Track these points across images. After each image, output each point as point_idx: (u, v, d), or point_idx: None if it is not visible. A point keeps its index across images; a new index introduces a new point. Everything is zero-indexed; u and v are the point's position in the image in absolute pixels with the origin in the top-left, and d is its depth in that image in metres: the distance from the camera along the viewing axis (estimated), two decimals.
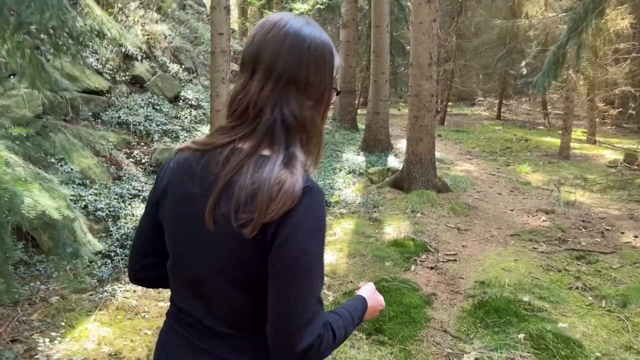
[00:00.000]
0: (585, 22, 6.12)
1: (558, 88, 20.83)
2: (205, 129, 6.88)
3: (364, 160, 9.86)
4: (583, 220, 6.35)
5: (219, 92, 6.45)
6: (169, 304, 1.13)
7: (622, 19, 12.81)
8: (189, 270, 0.99)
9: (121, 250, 4.27)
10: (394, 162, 9.77)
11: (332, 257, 4.84)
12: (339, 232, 5.61)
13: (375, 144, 10.80)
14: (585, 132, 15.06)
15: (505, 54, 18.64)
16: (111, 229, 4.45)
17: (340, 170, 8.74)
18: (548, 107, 20.94)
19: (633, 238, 5.57)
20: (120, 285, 3.84)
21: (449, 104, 22.02)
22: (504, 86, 21.71)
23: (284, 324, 0.88)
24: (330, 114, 15.39)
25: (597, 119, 14.96)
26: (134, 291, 3.78)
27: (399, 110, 25.61)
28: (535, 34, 19.75)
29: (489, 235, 5.71)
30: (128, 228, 4.51)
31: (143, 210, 1.12)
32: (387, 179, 7.76)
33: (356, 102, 16.41)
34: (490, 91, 25.71)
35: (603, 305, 3.85)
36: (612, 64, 13.77)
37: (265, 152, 0.92)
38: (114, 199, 4.87)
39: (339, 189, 7.54)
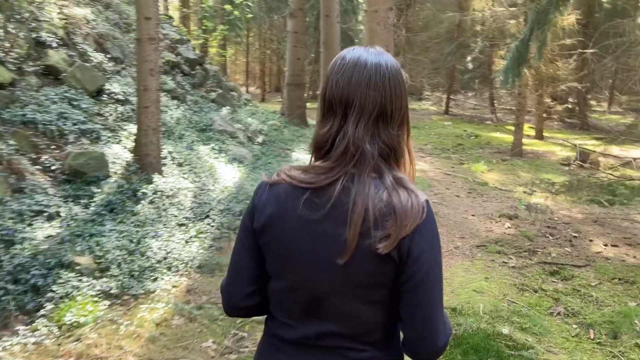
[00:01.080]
0: (549, 15, 5.74)
1: (504, 83, 21.00)
2: (133, 128, 5.96)
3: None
4: (548, 227, 5.98)
5: (147, 85, 5.58)
6: None
7: (569, 14, 12.82)
8: (309, 290, 1.04)
9: (13, 286, 3.38)
10: None
11: None
12: None
13: None
14: (534, 128, 15.09)
15: (455, 49, 18.45)
16: (1, 258, 3.54)
17: None
18: (495, 103, 21.06)
19: (603, 247, 5.23)
20: (6, 338, 2.97)
21: None
22: (451, 81, 21.66)
23: (428, 327, 1.00)
24: (277, 108, 14.54)
25: (544, 115, 15.02)
26: (25, 344, 2.93)
27: None
28: (483, 29, 19.77)
29: (453, 246, 5.20)
30: (25, 257, 3.61)
31: (237, 236, 1.15)
32: None
33: (305, 95, 15.71)
34: (438, 86, 25.72)
35: (591, 337, 3.38)
36: (559, 59, 13.80)
37: (374, 177, 1.01)
38: (9, 218, 3.93)
39: None
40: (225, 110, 10.19)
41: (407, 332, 1.04)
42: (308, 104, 18.86)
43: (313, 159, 1.08)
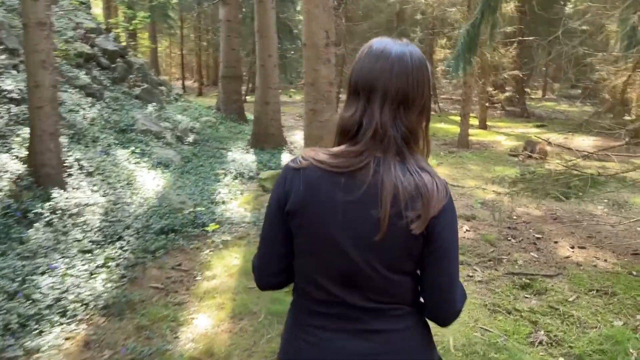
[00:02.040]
0: None
1: (446, 73, 20.90)
2: (25, 132, 4.92)
3: (254, 159, 8.36)
4: (509, 227, 5.52)
5: (39, 81, 4.57)
6: None
7: (507, 2, 12.64)
8: (344, 265, 1.09)
9: None
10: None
11: (208, 321, 3.34)
12: (220, 273, 4.11)
13: (267, 138, 9.35)
14: (476, 117, 14.95)
15: (397, 37, 17.95)
16: None
17: (225, 175, 7.16)
18: (437, 92, 20.93)
19: (570, 250, 4.79)
20: None
21: (341, 89, 21.19)
22: None
23: (448, 293, 1.12)
24: (214, 102, 13.49)
25: (486, 104, 14.90)
26: None
27: (290, 97, 24.33)
28: (424, 18, 19.53)
29: None
30: None
31: (266, 217, 1.20)
32: None
33: (244, 89, 14.75)
34: None
35: None
36: (501, 47, 13.67)
37: (399, 160, 1.07)
38: None
39: (223, 202, 5.98)
40: (151, 108, 9.13)
41: (430, 298, 1.14)
42: (248, 97, 17.93)
43: (337, 142, 1.12)
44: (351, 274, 1.10)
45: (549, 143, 9.76)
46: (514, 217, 5.90)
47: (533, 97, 24.33)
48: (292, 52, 24.73)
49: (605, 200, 6.58)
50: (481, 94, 13.60)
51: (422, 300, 1.17)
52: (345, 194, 1.06)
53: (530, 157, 9.41)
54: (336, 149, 1.10)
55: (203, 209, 5.40)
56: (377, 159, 1.06)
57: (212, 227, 4.40)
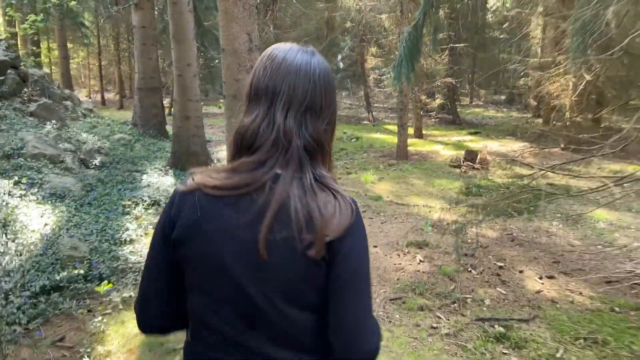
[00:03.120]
0: None
1: (379, 81, 20.62)
2: None
3: (172, 183, 7.27)
4: (465, 254, 4.88)
5: None
6: None
7: (438, 8, 12.42)
8: (240, 301, 0.96)
9: None
10: None
11: None
12: (116, 349, 3.10)
13: (189, 157, 8.28)
14: (411, 126, 14.61)
15: (327, 46, 17.47)
16: None
17: (136, 205, 6.06)
18: (370, 102, 20.63)
19: (539, 282, 4.20)
20: None
21: None
22: None
23: (357, 331, 0.94)
24: (125, 118, 12.17)
25: (421, 112, 14.62)
26: None
27: (220, 108, 23.11)
28: (353, 26, 19.14)
29: None
30: None
31: (149, 253, 1.06)
32: None
33: (164, 102, 13.52)
34: None
35: None
36: (434, 54, 13.43)
37: (298, 175, 0.95)
38: None
39: (129, 242, 4.91)
40: (49, 127, 7.81)
41: (336, 338, 0.95)
42: (174, 110, 16.60)
43: (232, 154, 1.00)
44: (248, 311, 0.96)
45: (488, 153, 9.43)
46: (469, 241, 5.29)
47: (461, 104, 24.72)
48: (218, 61, 23.59)
49: (558, 215, 6.17)
50: (416, 103, 13.24)
51: (330, 341, 0.97)
52: (238, 216, 0.95)
53: (472, 167, 9.01)
54: (231, 164, 0.98)
55: (100, 254, 4.32)
56: (275, 175, 0.94)
57: (104, 286, 3.35)
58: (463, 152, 10.23)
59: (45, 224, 4.84)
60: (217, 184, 0.96)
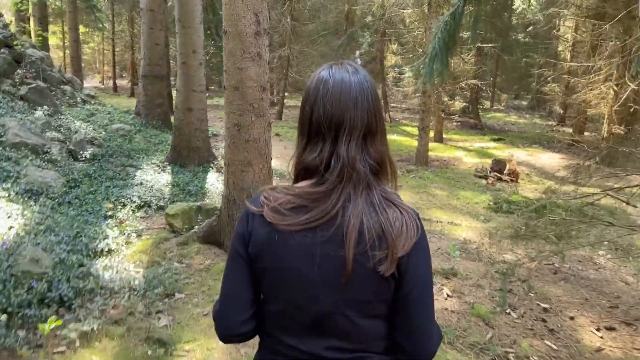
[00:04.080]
0: None
1: (398, 80, 19.76)
2: None
3: (169, 181, 6.57)
4: (501, 289, 4.09)
5: None
6: None
7: None
8: (312, 311, 1.02)
9: None
10: (218, 183, 6.68)
11: None
12: None
13: (190, 153, 7.58)
14: (431, 129, 13.78)
15: (347, 40, 16.67)
16: None
17: (123, 207, 5.36)
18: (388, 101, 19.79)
19: (597, 334, 3.41)
20: None
21: (286, 94, 19.60)
22: None
23: (423, 335, 1.04)
24: (133, 107, 11.48)
25: (442, 115, 13.79)
26: None
27: None
28: (373, 21, 18.31)
29: None
30: None
31: (228, 264, 1.12)
32: (198, 226, 4.66)
33: (169, 90, 12.84)
34: None
35: None
36: (461, 53, 12.58)
37: (367, 196, 1.00)
38: None
39: (106, 253, 4.20)
40: (40, 112, 7.14)
41: (404, 341, 1.05)
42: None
43: (295, 180, 1.08)
44: (320, 320, 1.03)
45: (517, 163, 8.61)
46: (503, 271, 4.50)
47: (483, 107, 23.77)
48: None
49: (605, 243, 5.34)
50: (437, 104, 12.40)
51: (396, 343, 1.07)
52: (311, 235, 1.00)
53: (499, 179, 8.19)
54: (300, 189, 1.02)
55: (66, 270, 3.60)
56: (347, 196, 0.99)
57: (50, 323, 2.61)
58: (489, 161, 9.40)
59: (11, 227, 4.14)
60: (291, 223, 0.99)
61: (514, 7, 22.17)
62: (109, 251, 4.27)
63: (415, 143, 11.74)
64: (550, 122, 19.87)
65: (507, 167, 8.38)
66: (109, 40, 29.36)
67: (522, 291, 4.08)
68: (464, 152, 11.56)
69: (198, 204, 4.93)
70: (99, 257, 4.13)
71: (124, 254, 4.30)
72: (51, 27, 29.62)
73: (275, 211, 1.01)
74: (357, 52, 24.49)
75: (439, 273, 4.28)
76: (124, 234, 4.67)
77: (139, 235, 4.77)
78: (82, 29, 32.54)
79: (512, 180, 8.09)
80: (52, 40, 32.43)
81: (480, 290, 4.06)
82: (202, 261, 4.19)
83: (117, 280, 3.73)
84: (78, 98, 9.77)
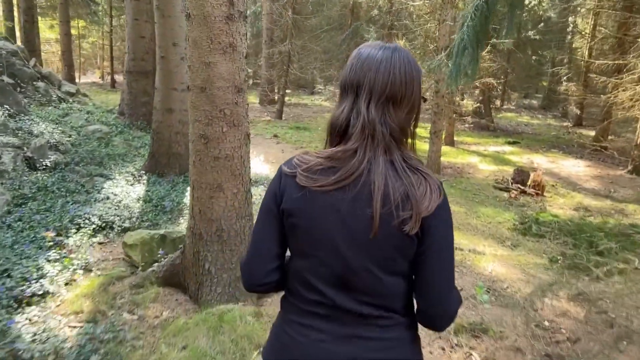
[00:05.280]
0: None
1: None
2: None
3: (141, 195, 5.64)
4: (546, 355, 3.13)
5: None
6: None
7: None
8: (338, 266, 1.08)
9: None
10: None
11: None
12: None
13: (170, 160, 6.64)
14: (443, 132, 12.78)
15: (350, 35, 15.68)
16: None
17: (77, 231, 4.42)
18: None
19: None
20: None
21: (287, 91, 18.64)
22: None
23: (443, 294, 1.08)
24: (117, 104, 10.50)
25: (454, 116, 12.78)
26: None
27: None
28: (380, 14, 17.30)
29: None
30: None
31: (259, 217, 1.18)
32: (159, 262, 3.71)
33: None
34: (332, 79, 23.05)
35: None
36: None
37: (389, 158, 1.06)
38: None
39: (32, 301, 3.27)
40: None
41: (424, 300, 1.09)
42: None
43: (329, 142, 1.13)
44: (344, 275, 1.08)
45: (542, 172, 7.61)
46: (546, 325, 3.54)
47: (494, 107, 22.71)
48: None
49: None
50: (449, 105, 11.41)
51: (415, 304, 1.12)
52: (339, 193, 1.05)
53: (523, 191, 7.21)
54: (329, 151, 1.09)
55: None
56: (370, 154, 1.04)
57: None
58: (507, 169, 8.42)
59: None
60: (323, 184, 1.06)
61: (526, 2, 21.09)
62: (42, 295, 3.34)
63: (424, 146, 10.77)
64: (565, 124, 18.82)
65: (531, 177, 7.40)
66: (108, 34, 28.48)
67: (572, 353, 3.12)
68: (478, 157, 10.57)
69: (162, 232, 3.98)
70: (26, 306, 3.20)
71: (61, 300, 3.37)
72: (48, 20, 28.80)
73: (306, 173, 1.08)
74: None
75: (464, 329, 3.32)
76: (69, 269, 3.74)
77: (88, 271, 3.84)
78: (81, 23, 31.69)
79: (537, 194, 7.11)
80: (49, 34, 31.58)
81: (520, 356, 3.10)
82: (159, 312, 3.25)
83: (41, 343, 2.80)
84: (54, 96, 8.85)
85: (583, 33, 15.12)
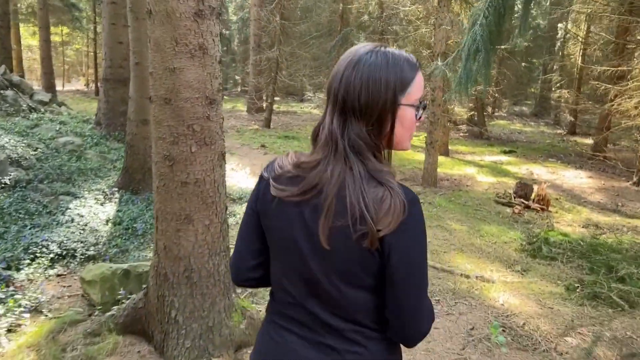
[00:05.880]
0: None
1: None
2: None
3: (111, 215, 5.08)
4: None
5: None
6: None
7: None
8: (305, 272, 1.07)
9: None
10: None
11: None
12: None
13: (145, 176, 6.08)
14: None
15: (340, 41, 15.24)
16: None
17: (30, 263, 3.85)
18: None
19: None
20: None
21: (276, 99, 18.12)
22: None
23: (412, 315, 1.03)
24: (94, 115, 9.89)
25: (448, 124, 12.34)
26: None
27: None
28: (371, 20, 16.89)
29: None
30: None
31: (244, 216, 1.21)
32: (122, 304, 3.15)
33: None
34: (321, 86, 22.61)
35: None
36: None
37: (351, 171, 1.00)
38: None
39: None
40: None
41: (393, 318, 1.06)
42: None
43: (311, 147, 1.12)
44: (311, 282, 1.08)
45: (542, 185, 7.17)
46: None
47: (487, 114, 22.39)
48: (225, 48, 21.37)
49: None
50: (444, 113, 10.97)
51: (387, 320, 1.09)
52: (301, 202, 1.06)
53: (527, 207, 6.74)
54: (299, 160, 1.08)
55: None
56: (332, 166, 1.02)
57: None
58: (507, 181, 7.97)
59: None
60: (289, 194, 1.06)
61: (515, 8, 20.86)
62: None
63: (418, 156, 10.33)
64: (559, 131, 18.52)
65: (535, 191, 6.94)
66: (92, 41, 27.84)
67: None
68: (475, 168, 10.12)
69: (126, 266, 3.41)
70: None
71: (1, 353, 2.80)
72: (30, 27, 28.08)
73: (276, 183, 1.08)
74: None
75: None
76: (15, 312, 3.17)
77: (39, 312, 3.27)
78: (64, 29, 30.97)
79: (542, 209, 6.64)
80: (31, 41, 30.82)
81: None
82: None
83: None
84: (23, 105, 8.25)
85: (578, 38, 14.80)
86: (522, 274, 4.62)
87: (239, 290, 3.30)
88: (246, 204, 1.25)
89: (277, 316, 1.16)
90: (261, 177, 1.14)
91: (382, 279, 1.03)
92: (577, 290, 4.23)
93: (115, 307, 3.06)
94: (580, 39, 14.30)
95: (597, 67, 9.22)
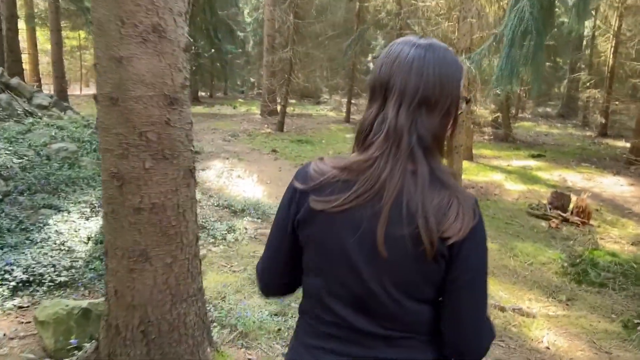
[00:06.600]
0: None
1: None
2: None
3: (93, 232, 4.52)
4: None
5: None
6: None
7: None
8: (357, 287, 0.98)
9: None
10: None
11: None
12: None
13: None
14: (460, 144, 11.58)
15: (356, 40, 14.59)
16: None
17: None
18: None
19: None
20: None
21: (290, 101, 17.54)
22: (352, 82, 17.80)
23: (473, 327, 0.95)
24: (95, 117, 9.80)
25: (472, 127, 11.57)
26: None
27: (235, 108, 20.42)
28: (389, 18, 16.21)
29: None
30: None
31: (273, 233, 1.12)
32: (72, 357, 2.55)
33: None
34: (337, 88, 21.97)
35: None
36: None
37: (415, 171, 0.93)
38: None
39: None
40: None
41: (450, 332, 0.98)
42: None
43: (355, 146, 1.03)
44: (362, 296, 0.98)
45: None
46: None
47: (512, 116, 21.45)
48: (231, 55, 20.89)
49: None
50: (468, 115, 10.22)
51: (443, 336, 1.00)
52: (360, 209, 0.95)
53: (564, 219, 5.98)
54: (346, 161, 0.98)
55: None
56: (391, 165, 0.93)
57: None
58: (539, 189, 7.21)
59: None
60: (339, 204, 0.94)
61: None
62: None
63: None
64: (588, 133, 17.53)
65: (574, 202, 6.18)
66: None
67: None
68: (502, 174, 9.35)
69: (85, 304, 2.80)
70: None
71: None
72: (46, 30, 28.07)
73: (319, 193, 0.97)
74: (370, 56, 22.45)
75: None
76: None
77: None
78: (82, 34, 30.97)
79: (583, 222, 5.88)
80: (48, 45, 30.87)
81: None
82: None
83: None
84: (18, 109, 7.80)
85: (609, 34, 13.86)
86: (568, 305, 3.90)
87: (221, 336, 2.66)
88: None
89: (313, 338, 1.05)
90: (294, 189, 1.03)
91: (441, 290, 0.96)
92: (638, 328, 3.49)
93: (78, 352, 2.46)
94: (612, 34, 13.36)
95: (636, 64, 8.39)
